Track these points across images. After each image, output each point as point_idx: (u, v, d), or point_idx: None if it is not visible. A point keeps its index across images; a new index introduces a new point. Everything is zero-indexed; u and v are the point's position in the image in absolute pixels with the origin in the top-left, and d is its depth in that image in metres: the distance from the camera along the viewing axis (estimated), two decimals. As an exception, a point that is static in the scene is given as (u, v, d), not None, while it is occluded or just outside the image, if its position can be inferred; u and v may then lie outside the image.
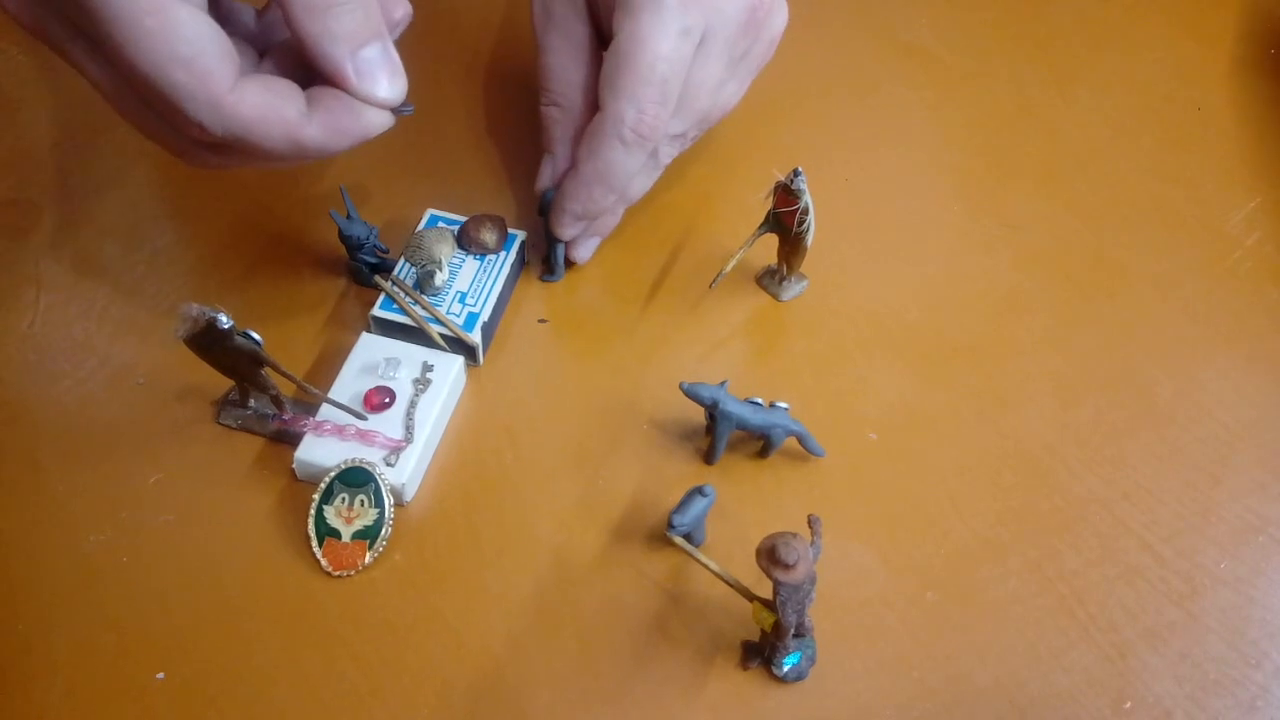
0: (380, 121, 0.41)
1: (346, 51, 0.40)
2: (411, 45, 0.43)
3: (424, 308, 0.49)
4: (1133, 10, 0.67)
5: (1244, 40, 0.65)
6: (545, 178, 0.52)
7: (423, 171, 0.57)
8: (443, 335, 0.49)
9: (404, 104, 0.42)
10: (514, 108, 0.60)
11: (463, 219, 0.52)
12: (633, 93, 0.46)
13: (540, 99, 0.52)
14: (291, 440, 0.46)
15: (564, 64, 0.51)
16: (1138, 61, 0.64)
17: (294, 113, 0.40)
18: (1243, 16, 0.67)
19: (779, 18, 0.51)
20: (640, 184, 0.51)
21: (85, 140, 0.58)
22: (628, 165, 0.48)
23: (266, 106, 0.39)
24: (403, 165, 0.57)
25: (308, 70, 0.41)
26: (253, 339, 0.43)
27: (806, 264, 0.51)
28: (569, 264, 0.53)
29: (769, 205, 0.49)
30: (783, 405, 0.45)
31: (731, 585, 0.40)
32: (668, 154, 0.51)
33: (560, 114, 0.51)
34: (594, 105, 0.49)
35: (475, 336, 0.49)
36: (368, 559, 0.44)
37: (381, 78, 0.41)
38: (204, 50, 0.37)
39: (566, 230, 0.51)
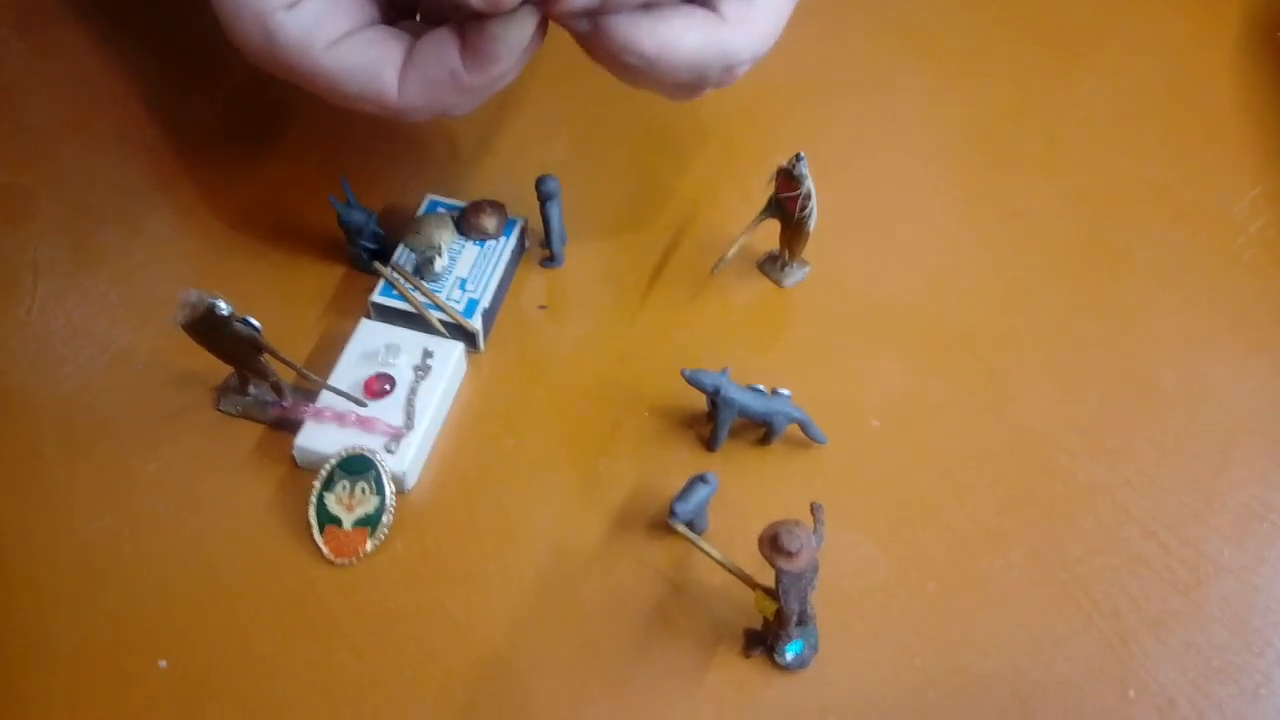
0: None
1: None
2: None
3: (424, 294, 0.49)
4: (1136, -5, 0.67)
5: (1247, 25, 0.65)
6: None
7: (422, 157, 0.57)
8: (443, 321, 0.49)
9: None
10: (515, 93, 0.60)
11: (463, 205, 0.52)
12: None
13: None
14: (291, 427, 0.46)
15: None
16: (1139, 47, 0.64)
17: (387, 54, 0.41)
18: (1245, 1, 0.66)
19: None
20: None
21: (83, 126, 0.58)
22: None
23: (359, 55, 0.40)
24: (402, 151, 0.57)
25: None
26: (252, 325, 0.43)
27: (809, 250, 0.51)
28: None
29: (771, 190, 0.48)
30: (785, 392, 0.45)
31: (734, 573, 0.40)
32: None
33: None
34: None
35: (476, 323, 0.49)
36: (369, 546, 0.43)
37: None
38: (307, 28, 0.40)
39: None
